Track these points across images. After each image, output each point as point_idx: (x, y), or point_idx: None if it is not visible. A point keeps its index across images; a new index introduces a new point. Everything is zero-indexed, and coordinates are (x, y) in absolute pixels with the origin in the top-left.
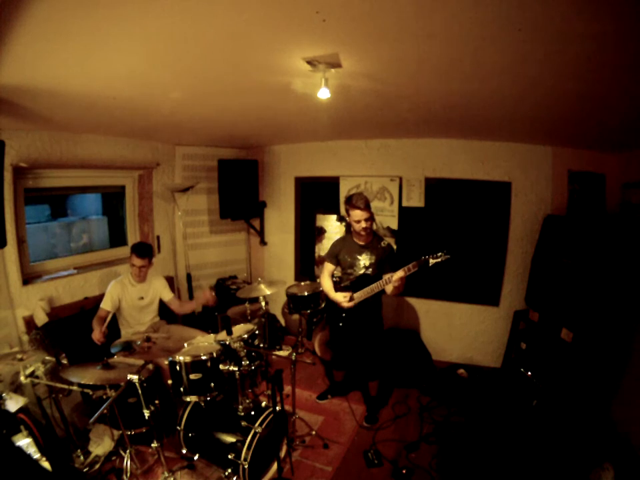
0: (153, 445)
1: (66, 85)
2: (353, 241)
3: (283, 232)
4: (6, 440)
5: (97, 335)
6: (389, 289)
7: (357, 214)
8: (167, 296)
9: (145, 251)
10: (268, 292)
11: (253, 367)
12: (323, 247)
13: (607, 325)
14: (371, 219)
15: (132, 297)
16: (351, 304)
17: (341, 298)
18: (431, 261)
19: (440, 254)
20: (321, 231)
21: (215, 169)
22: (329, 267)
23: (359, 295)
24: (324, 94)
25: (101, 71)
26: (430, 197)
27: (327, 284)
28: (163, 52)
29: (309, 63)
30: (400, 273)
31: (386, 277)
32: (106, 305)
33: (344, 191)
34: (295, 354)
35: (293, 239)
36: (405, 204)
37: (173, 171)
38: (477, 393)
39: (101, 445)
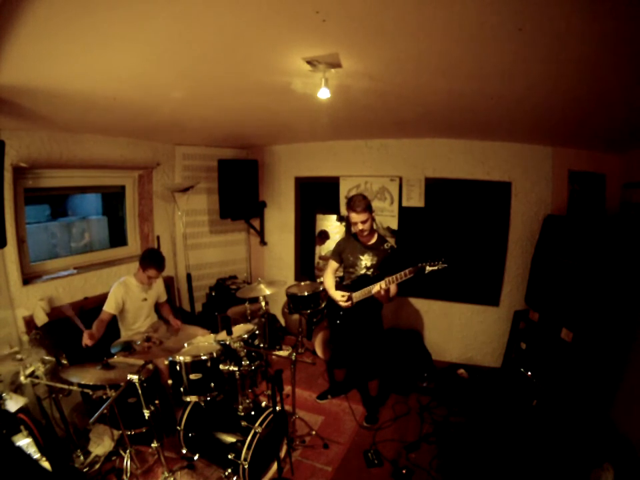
0: (153, 445)
1: (66, 85)
2: (357, 241)
3: (283, 232)
4: (6, 440)
5: (87, 338)
6: (379, 293)
7: (353, 216)
8: (164, 297)
9: (163, 264)
10: (268, 292)
11: (253, 367)
12: (325, 249)
13: (606, 325)
14: (367, 222)
15: (137, 298)
16: (348, 304)
17: (339, 297)
18: (427, 269)
19: (437, 262)
20: (325, 236)
21: (214, 169)
22: (332, 265)
23: (357, 295)
24: (324, 94)
25: (101, 72)
26: (430, 197)
27: (328, 281)
28: (163, 52)
29: (308, 63)
30: (380, 285)
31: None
32: (110, 308)
33: (344, 190)
34: (294, 354)
35: (292, 239)
36: (405, 204)
37: (173, 171)
38: (477, 393)
39: (101, 444)
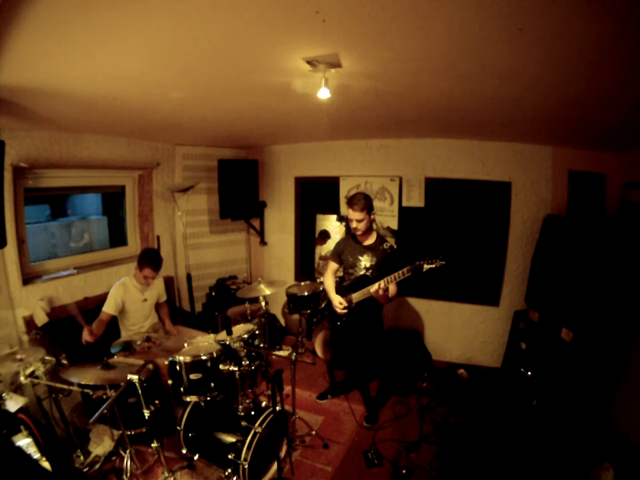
0: (153, 445)
1: (66, 85)
2: (356, 242)
3: (283, 232)
4: (6, 440)
5: (87, 334)
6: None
7: (350, 213)
8: (163, 298)
9: (159, 263)
10: (268, 292)
11: (253, 367)
12: (326, 249)
13: (606, 325)
14: (363, 222)
15: (136, 299)
16: (344, 312)
17: (337, 302)
18: (425, 267)
19: (435, 259)
20: (326, 236)
21: (214, 169)
22: (332, 266)
23: (357, 296)
24: (324, 94)
25: (101, 71)
26: (430, 197)
27: (328, 282)
28: (164, 52)
29: (308, 63)
30: (379, 285)
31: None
32: (109, 309)
33: (344, 191)
34: (295, 354)
35: (292, 239)
36: (404, 204)
37: (173, 170)
38: (477, 392)
39: (101, 445)
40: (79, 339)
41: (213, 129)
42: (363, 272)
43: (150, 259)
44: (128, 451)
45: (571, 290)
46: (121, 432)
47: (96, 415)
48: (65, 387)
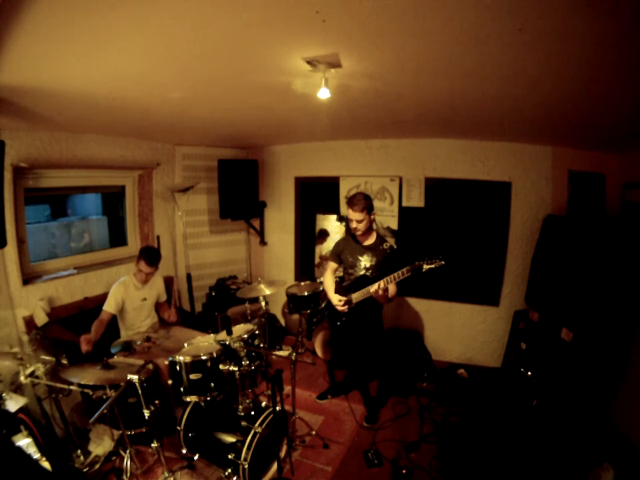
0: (153, 445)
1: (66, 85)
2: (356, 242)
3: (283, 232)
4: (6, 440)
5: (85, 344)
6: (377, 293)
7: (350, 213)
8: (163, 297)
9: (154, 258)
10: (268, 292)
11: (253, 367)
12: (325, 248)
13: (606, 325)
14: (363, 222)
15: (136, 298)
16: (344, 308)
17: (336, 300)
18: (425, 267)
19: (435, 260)
20: (325, 234)
21: (214, 169)
22: (332, 266)
23: (357, 296)
24: (324, 94)
25: (101, 71)
26: (430, 197)
27: (327, 282)
28: (164, 52)
29: (308, 63)
30: (379, 285)
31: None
32: (109, 308)
33: (344, 191)
34: (295, 354)
35: (292, 239)
36: (405, 204)
37: (173, 170)
38: (477, 393)
39: (101, 444)
40: (79, 338)
41: (213, 129)
42: (362, 272)
43: (145, 253)
44: (128, 451)
45: (571, 290)
46: (121, 432)
47: (96, 415)
48: (65, 386)
